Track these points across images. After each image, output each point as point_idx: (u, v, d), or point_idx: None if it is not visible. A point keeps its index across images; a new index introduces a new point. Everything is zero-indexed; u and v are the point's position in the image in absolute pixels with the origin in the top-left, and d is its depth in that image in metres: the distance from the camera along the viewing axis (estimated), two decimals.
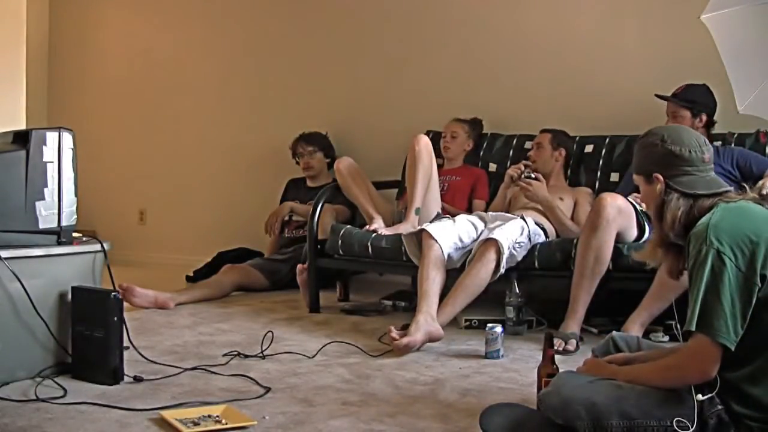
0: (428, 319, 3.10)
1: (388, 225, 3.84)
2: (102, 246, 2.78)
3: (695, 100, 3.55)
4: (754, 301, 1.71)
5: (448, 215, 3.79)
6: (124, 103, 5.90)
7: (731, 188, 1.92)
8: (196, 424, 2.14)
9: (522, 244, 3.38)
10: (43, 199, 2.61)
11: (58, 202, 2.64)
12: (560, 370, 2.13)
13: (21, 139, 2.62)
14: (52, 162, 2.63)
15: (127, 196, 5.87)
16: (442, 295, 3.26)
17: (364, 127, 4.94)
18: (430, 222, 3.61)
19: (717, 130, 3.62)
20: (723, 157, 3.40)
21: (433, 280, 3.25)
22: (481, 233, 3.48)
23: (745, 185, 1.94)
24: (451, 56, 4.70)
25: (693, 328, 1.73)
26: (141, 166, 5.80)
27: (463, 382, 2.63)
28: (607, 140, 4.04)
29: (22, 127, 5.52)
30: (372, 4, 4.97)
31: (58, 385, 2.49)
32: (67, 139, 2.68)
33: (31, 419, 2.20)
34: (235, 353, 2.95)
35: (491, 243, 3.28)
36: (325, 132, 4.91)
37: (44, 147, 2.62)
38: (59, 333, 2.61)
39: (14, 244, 2.53)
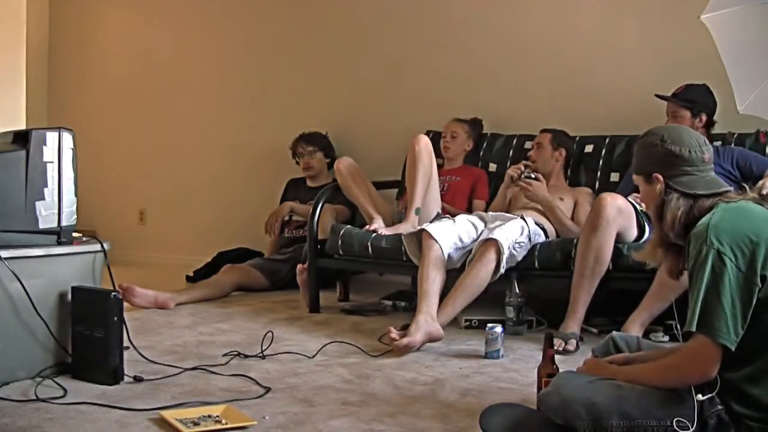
0: (428, 319, 3.10)
1: (388, 225, 3.84)
2: (102, 246, 2.78)
3: (695, 100, 3.55)
4: (754, 302, 1.71)
5: (448, 215, 3.79)
6: (124, 103, 5.90)
7: (731, 188, 1.92)
8: (196, 424, 2.14)
9: (522, 244, 3.38)
10: (43, 199, 2.61)
11: (58, 202, 2.64)
12: (560, 370, 2.13)
13: (21, 139, 2.62)
14: (52, 162, 2.63)
15: (127, 196, 5.87)
16: (442, 295, 3.26)
17: (364, 127, 4.94)
18: (430, 222, 3.61)
19: (717, 130, 3.62)
20: (723, 157, 3.40)
21: (433, 280, 3.25)
22: (481, 233, 3.48)
23: (745, 185, 1.94)
24: (451, 56, 4.70)
25: (693, 329, 1.73)
26: (141, 166, 5.80)
27: (463, 382, 2.63)
28: (607, 140, 4.04)
29: (22, 127, 5.52)
30: (372, 4, 4.97)
31: (58, 385, 2.49)
32: (67, 139, 2.68)
33: (31, 419, 2.20)
34: (235, 353, 2.95)
35: (491, 243, 3.28)
36: (325, 132, 4.91)
37: (44, 147, 2.62)
38: (59, 333, 2.61)
39: (14, 244, 2.53)
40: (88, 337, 2.55)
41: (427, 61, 4.76)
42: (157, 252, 5.66)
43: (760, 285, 1.71)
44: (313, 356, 2.96)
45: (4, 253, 2.46)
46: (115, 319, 2.53)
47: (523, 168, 3.74)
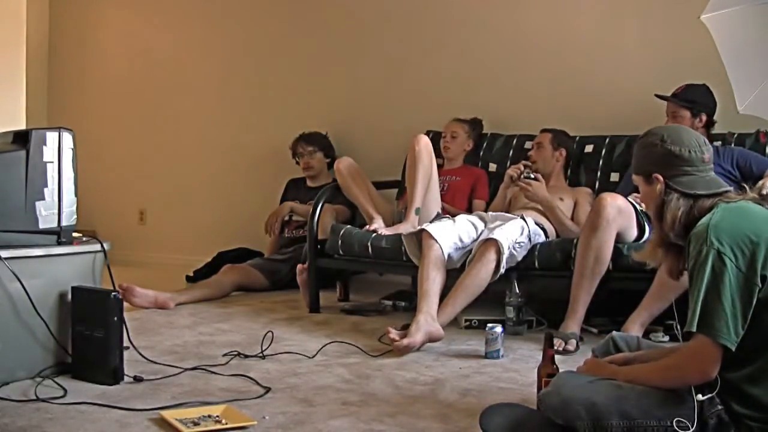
0: (428, 319, 3.10)
1: (388, 225, 3.84)
2: (102, 246, 2.78)
3: (695, 100, 3.55)
4: (754, 302, 1.71)
5: (448, 215, 3.79)
6: (124, 103, 5.90)
7: (731, 188, 1.92)
8: (196, 424, 2.14)
9: (522, 244, 3.38)
10: (43, 199, 2.61)
11: (58, 202, 2.64)
12: (560, 370, 2.13)
13: (21, 139, 2.62)
14: (52, 162, 2.63)
15: (127, 196, 5.87)
16: (442, 295, 3.26)
17: (364, 127, 4.94)
18: (430, 222, 3.61)
19: (717, 130, 3.62)
20: (723, 157, 3.40)
21: (433, 280, 3.25)
22: (481, 233, 3.48)
23: (745, 185, 1.94)
24: (451, 56, 4.70)
25: (694, 329, 1.73)
26: (141, 166, 5.80)
27: (463, 382, 2.63)
28: (607, 140, 4.04)
29: (22, 127, 5.52)
30: (372, 4, 4.97)
31: (58, 385, 2.49)
32: (67, 139, 2.68)
33: (31, 419, 2.20)
34: (235, 353, 2.95)
35: (491, 243, 3.28)
36: (325, 132, 4.91)
37: (44, 147, 2.62)
38: (59, 333, 2.61)
39: (14, 244, 2.53)
40: (88, 337, 2.55)
41: (427, 61, 4.76)
42: (157, 252, 5.66)
43: (760, 285, 1.71)
44: (313, 356, 2.96)
45: (4, 253, 2.46)
46: (115, 319, 2.53)
47: (522, 168, 3.74)
